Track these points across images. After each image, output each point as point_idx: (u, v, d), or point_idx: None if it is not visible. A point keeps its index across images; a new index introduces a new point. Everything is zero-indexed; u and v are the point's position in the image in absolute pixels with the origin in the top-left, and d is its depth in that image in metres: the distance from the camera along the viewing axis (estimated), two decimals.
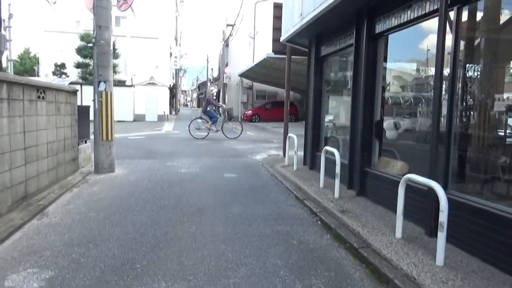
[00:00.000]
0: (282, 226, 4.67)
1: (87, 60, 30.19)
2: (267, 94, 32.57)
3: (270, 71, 24.60)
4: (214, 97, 15.66)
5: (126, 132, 17.48)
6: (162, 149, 11.20)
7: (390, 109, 5.75)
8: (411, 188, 4.12)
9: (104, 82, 7.80)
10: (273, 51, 9.77)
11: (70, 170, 7.29)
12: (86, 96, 28.18)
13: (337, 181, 5.67)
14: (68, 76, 30.29)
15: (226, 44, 33.74)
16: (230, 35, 31.17)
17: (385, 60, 5.64)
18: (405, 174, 5.00)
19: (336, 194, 5.68)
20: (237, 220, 4.83)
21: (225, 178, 7.49)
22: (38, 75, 34.98)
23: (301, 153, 8.71)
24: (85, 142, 8.70)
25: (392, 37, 5.51)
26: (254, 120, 28.96)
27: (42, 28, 33.13)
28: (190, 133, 14.23)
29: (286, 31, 8.09)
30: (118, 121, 26.53)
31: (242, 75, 29.45)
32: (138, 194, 6.07)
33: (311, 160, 8.11)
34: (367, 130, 5.68)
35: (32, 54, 53.85)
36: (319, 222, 4.87)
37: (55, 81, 24.82)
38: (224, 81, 31.39)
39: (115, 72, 30.69)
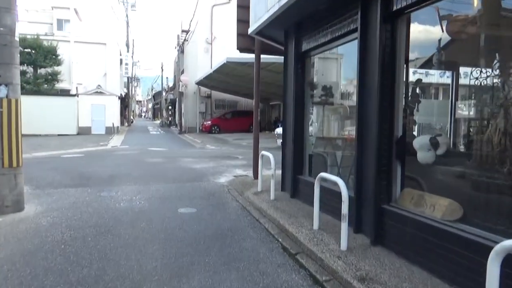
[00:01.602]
0: None
1: (24, 67, 26.86)
2: (227, 103, 30.72)
3: (230, 78, 22.79)
4: None
5: (62, 148, 14.88)
6: (101, 172, 8.94)
7: (415, 121, 4.06)
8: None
9: (6, 85, 5.55)
10: (238, 48, 7.94)
11: None
12: (23, 107, 24.69)
13: (344, 226, 3.88)
14: None
15: (182, 50, 31.60)
16: (185, 40, 29.11)
17: (407, 50, 3.96)
18: (457, 220, 3.33)
19: (343, 245, 3.88)
20: None
21: (180, 216, 5.48)
22: None
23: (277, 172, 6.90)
24: None
25: (417, 16, 3.86)
26: (213, 131, 26.96)
27: None
28: None
29: (257, 19, 6.29)
30: (59, 134, 23.56)
31: (200, 83, 27.43)
32: (44, 255, 3.92)
33: (292, 185, 6.30)
34: (384, 150, 3.95)
35: None
36: None
37: None
38: (180, 90, 29.16)
39: (57, 80, 27.63)
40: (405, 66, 3.93)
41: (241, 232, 4.75)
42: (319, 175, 4.47)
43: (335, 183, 4.08)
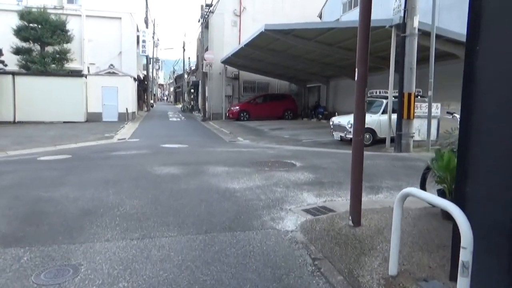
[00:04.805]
0: None
1: (29, 44, 23.63)
2: (257, 85, 26.76)
3: (264, 53, 18.77)
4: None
5: (55, 142, 11.47)
6: (72, 200, 5.22)
7: None
8: None
9: None
10: None
11: None
12: (24, 90, 21.52)
13: None
14: (6, 65, 23.56)
15: (206, 25, 27.64)
16: (211, 12, 25.11)
17: None
18: None
19: None
20: None
21: None
22: None
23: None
24: None
25: None
26: (242, 118, 23.14)
27: None
28: None
29: None
30: (65, 122, 20.27)
31: (226, 61, 23.54)
32: None
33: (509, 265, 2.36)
34: None
35: None
36: None
37: None
38: (204, 70, 25.33)
39: (67, 59, 24.32)
40: None
41: None
42: None
43: None
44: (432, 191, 4.65)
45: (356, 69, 4.01)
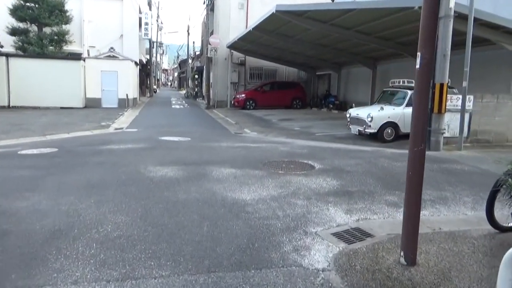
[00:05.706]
0: None
1: (26, 25, 22.49)
2: (264, 72, 25.49)
3: (274, 38, 17.55)
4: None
5: (46, 130, 10.50)
6: (48, 209, 4.24)
7: None
8: None
9: None
10: None
11: None
12: (19, 73, 20.32)
13: None
14: (2, 46, 22.49)
15: (211, 7, 26.30)
16: None
17: None
18: None
19: None
20: None
21: None
22: None
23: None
24: None
25: None
26: (248, 107, 21.99)
27: None
28: None
29: None
30: (62, 107, 19.24)
31: (233, 46, 22.33)
32: None
33: None
34: None
35: None
36: None
37: None
38: (209, 55, 24.07)
39: (65, 41, 23.20)
40: None
41: None
42: None
43: None
44: (502, 212, 3.62)
45: (419, 54, 2.91)
